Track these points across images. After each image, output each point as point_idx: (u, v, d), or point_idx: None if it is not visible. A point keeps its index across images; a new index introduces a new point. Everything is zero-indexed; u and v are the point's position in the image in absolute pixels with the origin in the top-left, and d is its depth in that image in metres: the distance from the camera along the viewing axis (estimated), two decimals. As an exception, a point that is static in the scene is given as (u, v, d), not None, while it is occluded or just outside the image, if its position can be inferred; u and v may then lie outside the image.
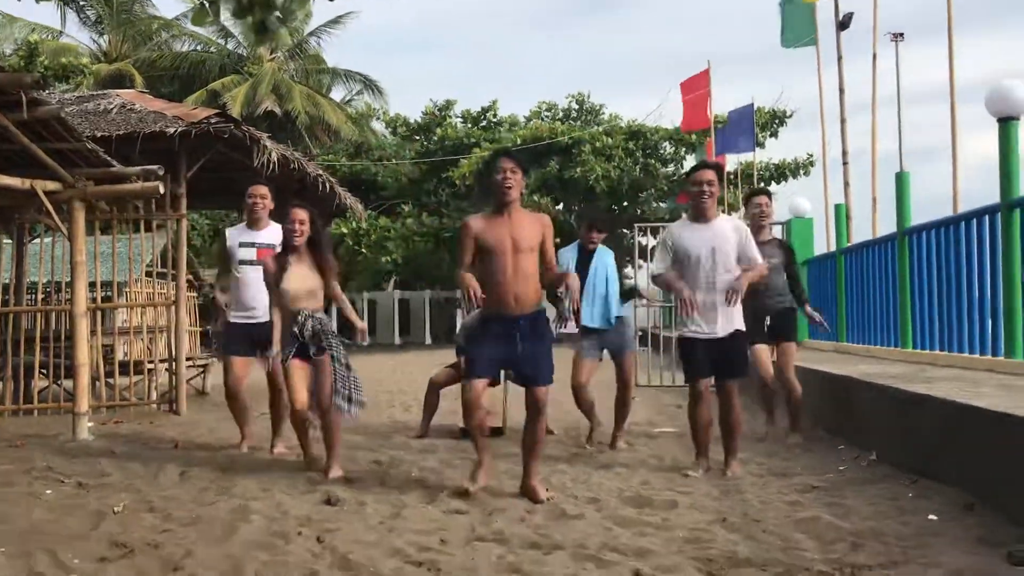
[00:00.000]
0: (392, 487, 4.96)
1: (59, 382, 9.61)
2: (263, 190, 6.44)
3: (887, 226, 9.08)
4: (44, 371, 9.53)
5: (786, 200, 15.35)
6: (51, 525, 4.13)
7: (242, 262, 6.28)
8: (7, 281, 9.75)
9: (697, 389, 5.31)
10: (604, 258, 6.46)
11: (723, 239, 5.23)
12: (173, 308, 9.21)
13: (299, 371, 5.35)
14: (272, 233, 6.28)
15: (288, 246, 5.43)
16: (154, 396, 9.44)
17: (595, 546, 3.68)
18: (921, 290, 7.84)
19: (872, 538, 3.71)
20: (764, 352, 6.60)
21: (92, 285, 8.30)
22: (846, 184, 11.92)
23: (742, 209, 7.16)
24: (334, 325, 5.65)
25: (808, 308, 6.82)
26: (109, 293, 10.23)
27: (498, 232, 4.64)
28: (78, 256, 7.23)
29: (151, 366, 9.68)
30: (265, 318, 5.98)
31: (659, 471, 5.41)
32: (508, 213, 4.68)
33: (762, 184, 26.13)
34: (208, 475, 5.36)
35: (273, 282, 5.38)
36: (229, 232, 6.48)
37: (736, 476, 5.17)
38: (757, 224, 6.64)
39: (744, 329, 5.35)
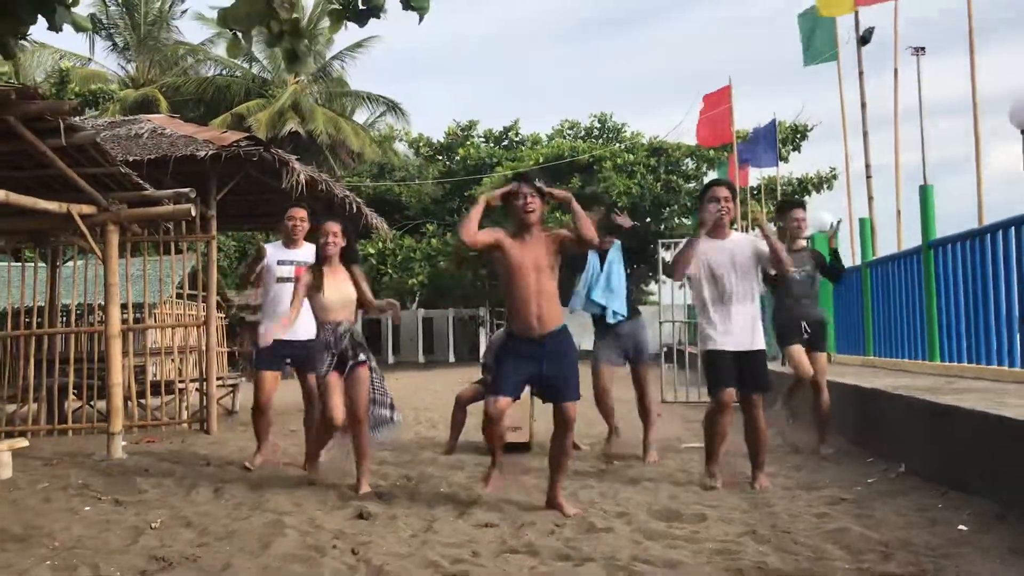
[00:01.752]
0: (422, 502, 5.03)
1: (92, 402, 9.77)
2: (303, 212, 6.63)
3: (912, 239, 9.06)
4: (77, 391, 9.69)
5: (810, 214, 15.35)
6: (92, 540, 4.23)
7: (279, 279, 6.44)
8: (41, 303, 9.93)
9: (720, 399, 5.35)
10: (617, 252, 6.58)
11: (742, 254, 5.33)
12: (204, 328, 9.36)
13: (336, 386, 5.43)
14: (308, 252, 6.42)
15: (322, 258, 5.54)
16: (185, 415, 9.57)
17: (626, 558, 3.72)
18: (947, 303, 7.82)
19: (902, 548, 3.73)
20: (801, 352, 6.67)
21: (124, 306, 8.45)
22: (870, 198, 11.89)
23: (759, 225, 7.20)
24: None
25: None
26: (139, 314, 10.38)
27: (521, 253, 4.75)
28: (112, 278, 7.37)
29: (182, 386, 9.82)
30: (296, 336, 6.11)
31: (687, 485, 5.44)
32: (530, 235, 4.78)
33: (785, 198, 26.11)
34: (241, 491, 5.45)
35: (310, 292, 5.49)
36: (269, 247, 6.63)
37: (765, 489, 5.19)
38: (793, 236, 6.71)
39: (764, 348, 5.42)
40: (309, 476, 5.75)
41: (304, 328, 6.13)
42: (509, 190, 4.80)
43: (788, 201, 8.91)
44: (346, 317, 5.49)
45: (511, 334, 4.87)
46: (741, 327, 5.28)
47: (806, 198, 27.81)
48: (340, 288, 5.49)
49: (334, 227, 5.54)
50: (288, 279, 6.36)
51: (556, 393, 4.77)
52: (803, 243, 6.92)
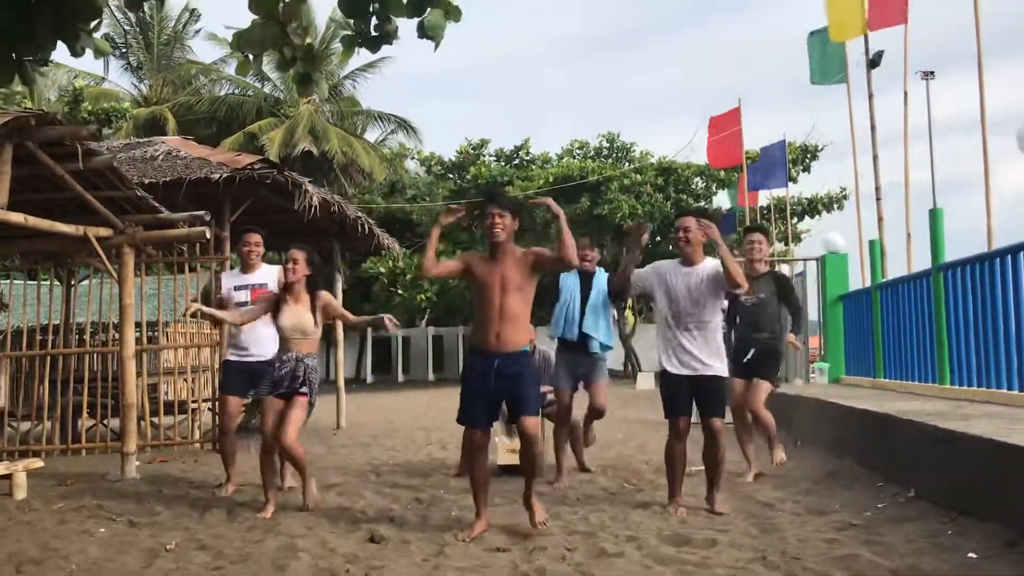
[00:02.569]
0: (434, 526, 5.06)
1: (105, 421, 9.83)
2: (257, 237, 6.68)
3: (922, 260, 9.09)
4: (90, 410, 9.76)
5: (820, 235, 15.39)
6: (108, 563, 4.28)
7: (238, 304, 6.47)
8: (56, 322, 10.02)
9: (671, 426, 5.43)
10: (602, 279, 6.61)
11: (703, 280, 5.36)
12: (216, 348, 9.42)
13: (271, 407, 5.55)
14: (263, 273, 6.56)
15: (285, 285, 5.64)
16: (197, 435, 9.63)
17: (636, 584, 3.74)
18: (957, 326, 7.83)
19: (911, 576, 3.74)
20: (737, 385, 6.74)
21: (138, 325, 8.53)
22: (879, 219, 11.91)
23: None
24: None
25: (791, 337, 6.95)
26: (153, 333, 10.46)
27: (489, 271, 4.84)
28: (127, 299, 7.46)
29: (194, 405, 9.88)
30: (259, 357, 6.25)
31: (697, 509, 5.45)
32: (499, 255, 4.86)
33: (795, 220, 26.15)
34: (254, 513, 5.49)
35: (265, 313, 5.68)
36: (223, 276, 6.74)
37: (720, 512, 5.25)
38: (749, 259, 6.77)
39: (724, 372, 5.44)
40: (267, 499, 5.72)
41: (261, 348, 6.22)
42: (455, 212, 4.98)
43: (748, 226, 9.06)
44: (302, 347, 5.59)
45: (471, 350, 4.96)
46: (695, 352, 5.33)
47: (816, 218, 27.86)
48: (296, 316, 5.59)
49: (297, 255, 5.62)
50: (246, 303, 6.42)
51: (514, 405, 4.85)
52: (762, 268, 6.91)
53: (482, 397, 4.84)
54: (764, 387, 6.76)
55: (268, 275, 6.53)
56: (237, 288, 6.54)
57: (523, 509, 4.95)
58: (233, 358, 6.49)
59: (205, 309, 5.85)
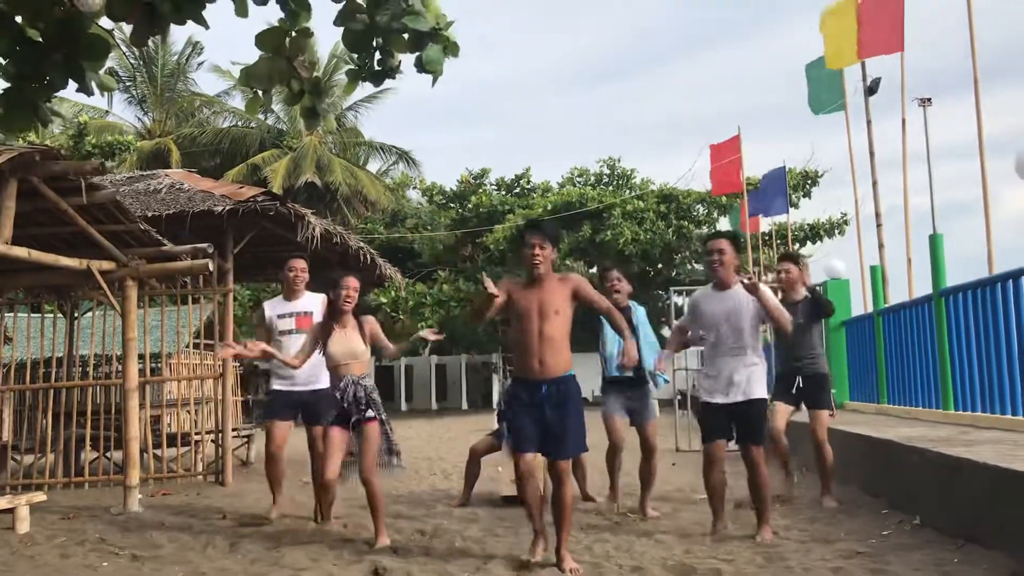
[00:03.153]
0: (437, 556, 5.04)
1: (108, 454, 9.82)
2: (302, 263, 6.72)
3: (923, 285, 9.10)
4: (93, 443, 9.74)
5: (821, 261, 15.43)
6: (110, 597, 4.26)
7: (281, 332, 6.50)
8: (59, 354, 10.04)
9: (710, 452, 5.42)
10: (639, 314, 6.55)
11: (740, 306, 5.36)
12: (220, 380, 9.43)
13: (336, 440, 5.49)
14: (307, 302, 6.55)
15: (335, 311, 5.60)
16: (200, 467, 9.61)
17: (640, 615, 3.72)
18: (960, 351, 7.83)
19: (918, 605, 3.72)
20: (781, 411, 6.67)
21: (140, 357, 8.54)
22: (880, 246, 11.93)
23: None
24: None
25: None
26: (156, 365, 10.47)
27: (528, 298, 4.82)
28: (130, 332, 7.47)
29: (197, 437, 9.87)
30: (306, 386, 6.27)
31: (701, 539, 5.43)
32: (539, 283, 4.85)
33: (796, 245, 26.18)
34: (257, 546, 5.48)
35: (318, 345, 5.59)
36: (266, 305, 6.70)
37: (766, 542, 5.19)
38: (785, 288, 6.80)
39: (765, 397, 5.43)
40: (322, 527, 5.77)
41: (312, 378, 6.26)
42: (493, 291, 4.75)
43: (782, 254, 9.12)
44: (354, 370, 5.55)
45: (516, 379, 4.91)
46: (733, 379, 5.32)
47: (818, 244, 27.88)
48: (347, 340, 5.57)
49: (353, 283, 5.62)
50: (290, 331, 6.46)
51: (552, 446, 4.74)
52: (800, 294, 6.92)
53: (532, 424, 4.74)
54: (824, 417, 6.69)
55: (313, 303, 6.53)
56: (281, 316, 6.54)
57: (528, 538, 4.92)
58: (281, 388, 6.51)
59: (268, 349, 5.75)
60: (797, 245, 26.74)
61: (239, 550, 5.40)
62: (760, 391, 5.37)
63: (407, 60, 4.04)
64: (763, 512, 5.39)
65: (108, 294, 7.41)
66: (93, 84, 4.20)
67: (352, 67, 4.22)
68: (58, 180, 6.59)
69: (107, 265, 7.26)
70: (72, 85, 3.88)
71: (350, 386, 5.50)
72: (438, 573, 4.62)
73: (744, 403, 5.31)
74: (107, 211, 7.14)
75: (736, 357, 5.33)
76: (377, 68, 4.15)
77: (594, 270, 27.95)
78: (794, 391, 6.70)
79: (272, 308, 6.64)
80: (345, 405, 5.48)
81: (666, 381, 6.67)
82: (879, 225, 12.10)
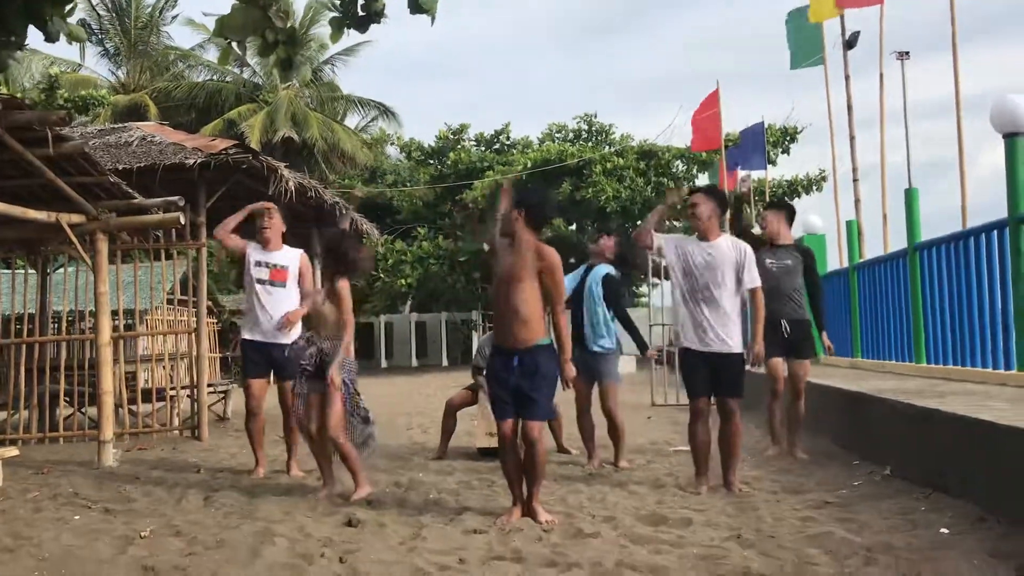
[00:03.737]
0: (411, 508, 5.05)
1: (83, 410, 9.77)
2: (276, 218, 6.54)
3: (899, 241, 9.15)
4: (68, 399, 9.69)
5: (799, 217, 15.44)
6: (81, 550, 4.24)
7: (258, 280, 6.39)
8: (32, 310, 9.93)
9: (696, 407, 5.46)
10: (596, 274, 6.56)
11: (720, 258, 5.38)
12: (195, 336, 9.38)
13: (314, 401, 5.51)
14: (285, 255, 6.45)
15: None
16: (176, 423, 9.58)
17: (611, 564, 3.75)
18: (933, 305, 7.89)
19: (884, 552, 3.77)
20: (778, 366, 6.64)
21: (115, 313, 8.46)
22: (857, 201, 11.98)
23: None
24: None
25: (825, 336, 6.92)
26: (131, 321, 10.39)
27: (503, 263, 4.79)
28: (101, 287, 7.38)
29: (173, 393, 9.83)
30: (276, 339, 6.23)
31: (674, 489, 5.47)
32: (516, 249, 4.76)
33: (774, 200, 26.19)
34: (231, 499, 5.47)
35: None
36: (250, 245, 6.51)
37: (736, 493, 5.25)
38: (770, 236, 6.80)
39: (741, 351, 5.44)
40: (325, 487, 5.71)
41: (280, 332, 6.21)
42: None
43: (767, 203, 9.14)
44: (322, 332, 5.55)
45: (496, 347, 4.89)
46: (713, 328, 5.34)
47: (796, 200, 27.92)
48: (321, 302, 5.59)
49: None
50: (264, 281, 6.37)
51: (522, 408, 4.70)
52: (788, 239, 6.93)
53: (506, 393, 4.73)
54: (807, 367, 6.73)
55: (290, 258, 6.45)
56: (258, 264, 6.41)
57: (501, 490, 4.95)
58: (252, 339, 6.42)
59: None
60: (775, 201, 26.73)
61: (213, 503, 5.39)
62: (736, 345, 5.40)
63: (392, 4, 3.95)
64: (731, 464, 5.44)
65: (79, 248, 7.30)
66: (60, 32, 4.09)
67: (336, 15, 4.13)
68: (24, 130, 6.44)
69: (76, 218, 7.14)
70: (38, 34, 3.77)
71: (312, 347, 5.54)
72: (411, 524, 4.63)
73: (723, 355, 5.35)
74: (76, 163, 7.01)
75: (710, 307, 5.35)
76: (361, 13, 4.06)
77: (573, 227, 27.92)
78: (784, 336, 6.58)
79: (253, 251, 6.48)
80: (309, 365, 5.52)
81: (611, 348, 6.60)
82: (856, 180, 12.14)
